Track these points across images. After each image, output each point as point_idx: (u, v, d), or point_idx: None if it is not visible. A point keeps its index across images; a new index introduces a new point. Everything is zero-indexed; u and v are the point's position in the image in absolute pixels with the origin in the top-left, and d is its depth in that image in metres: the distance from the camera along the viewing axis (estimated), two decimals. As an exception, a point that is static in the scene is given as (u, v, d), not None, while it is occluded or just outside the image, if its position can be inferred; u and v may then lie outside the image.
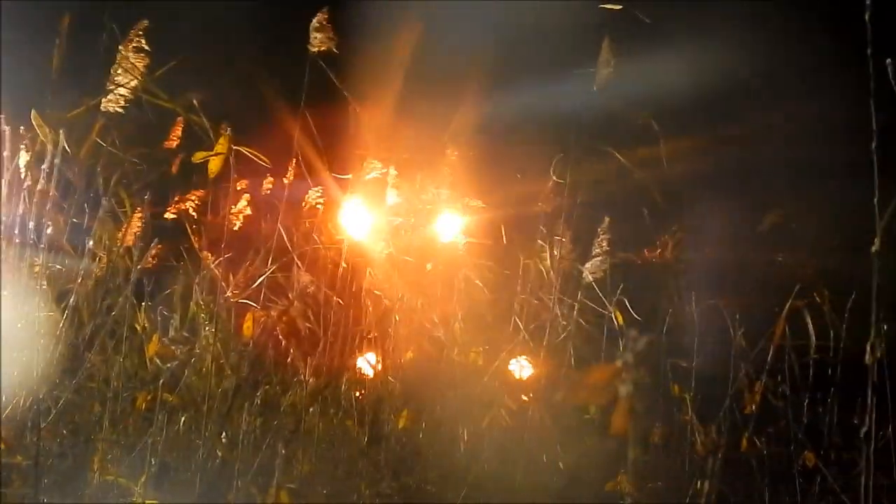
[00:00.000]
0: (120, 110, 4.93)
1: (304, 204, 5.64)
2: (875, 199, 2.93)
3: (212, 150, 4.62)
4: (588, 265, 5.63)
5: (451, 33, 6.58)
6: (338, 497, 4.66)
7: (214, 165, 4.52)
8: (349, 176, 5.61)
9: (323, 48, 5.00)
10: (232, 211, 5.53)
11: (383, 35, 6.54)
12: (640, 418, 5.34)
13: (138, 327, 4.98)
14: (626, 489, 4.98)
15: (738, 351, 5.24)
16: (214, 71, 6.37)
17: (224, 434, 4.61)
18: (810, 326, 5.47)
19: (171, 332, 3.59)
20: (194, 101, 5.42)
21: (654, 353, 5.62)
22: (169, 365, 3.54)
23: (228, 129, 4.51)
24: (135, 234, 4.97)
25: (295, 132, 5.04)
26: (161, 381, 3.55)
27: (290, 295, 5.23)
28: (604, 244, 5.61)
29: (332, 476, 4.76)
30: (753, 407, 5.24)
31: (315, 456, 4.79)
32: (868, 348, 2.75)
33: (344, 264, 5.33)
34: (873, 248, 2.77)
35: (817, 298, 5.48)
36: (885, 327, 3.06)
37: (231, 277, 5.25)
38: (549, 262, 5.69)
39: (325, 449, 4.86)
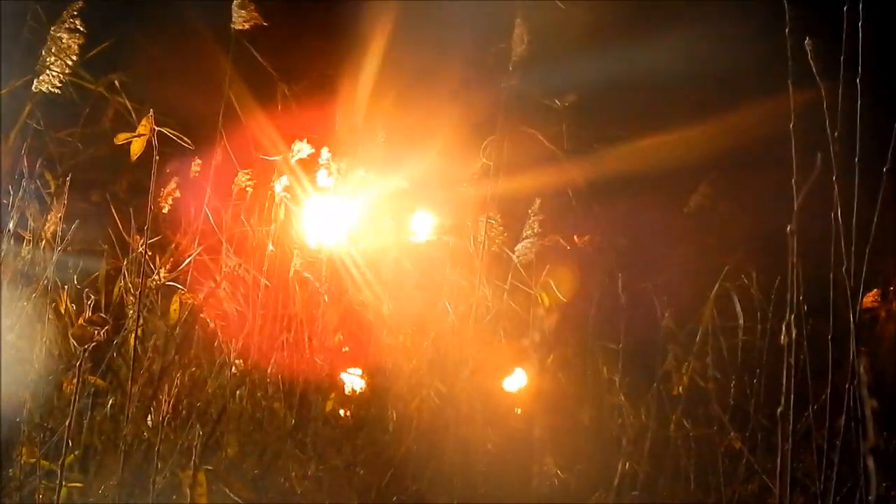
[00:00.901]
0: (55, 90, 4.89)
1: (232, 186, 5.62)
2: (793, 180, 2.96)
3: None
4: (518, 247, 5.64)
5: (385, 14, 6.58)
6: (265, 479, 4.65)
7: (137, 147, 4.47)
8: (278, 157, 5.58)
9: (246, 26, 4.99)
10: (161, 194, 5.50)
11: (315, 16, 6.52)
12: (568, 400, 5.38)
13: (62, 310, 4.93)
14: (553, 471, 5.03)
15: (667, 333, 5.27)
16: (141, 52, 6.33)
17: (150, 417, 4.59)
18: (738, 308, 5.51)
19: (88, 314, 3.55)
20: (116, 83, 5.39)
21: (583, 335, 5.65)
22: (86, 347, 3.50)
23: (151, 110, 4.46)
24: (59, 216, 4.93)
25: (220, 113, 5.01)
26: (79, 363, 3.50)
27: (217, 277, 5.21)
28: (535, 226, 5.62)
29: (258, 458, 4.75)
30: (681, 389, 5.28)
31: (242, 438, 4.78)
32: (784, 328, 2.77)
33: (272, 247, 5.31)
34: (789, 228, 2.79)
35: (745, 280, 5.52)
36: (805, 307, 3.09)
37: (158, 259, 5.23)
38: (478, 244, 5.69)
39: (252, 431, 4.85)
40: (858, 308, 3.34)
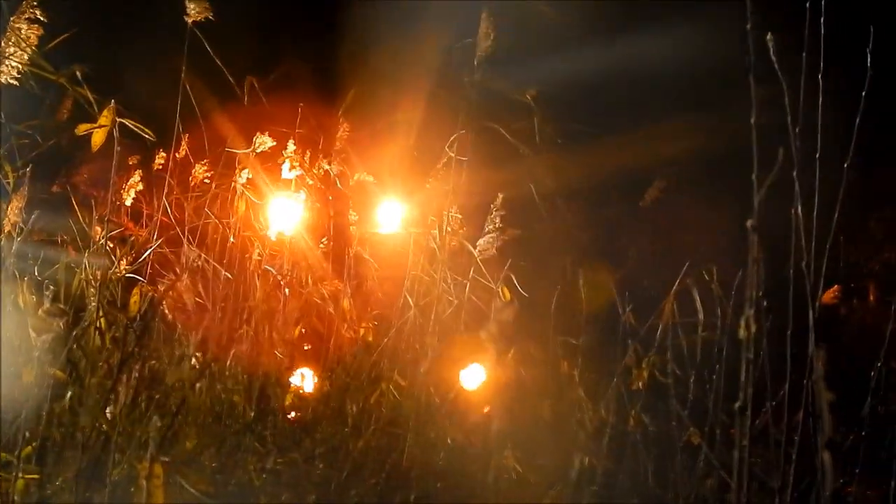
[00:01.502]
0: (14, 81, 4.85)
1: (193, 179, 5.61)
2: (753, 175, 2.96)
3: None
4: (480, 241, 5.65)
5: (355, 8, 6.58)
6: (223, 472, 4.64)
7: (98, 138, 4.46)
8: (242, 151, 5.57)
9: (199, 18, 4.96)
10: (123, 186, 5.49)
11: (283, 9, 6.51)
12: (528, 394, 5.38)
13: (21, 302, 4.90)
14: (512, 465, 5.03)
15: (627, 328, 5.27)
16: (104, 43, 6.30)
17: (108, 408, 4.56)
18: (698, 304, 5.52)
19: (47, 305, 3.53)
20: (78, 74, 5.35)
21: (544, 330, 5.66)
22: (44, 337, 3.49)
23: (112, 101, 4.45)
24: (20, 207, 4.90)
25: (177, 106, 5.00)
26: (37, 354, 3.48)
27: (177, 269, 5.20)
28: (496, 221, 5.63)
29: (217, 451, 4.73)
30: (641, 384, 5.29)
31: (201, 431, 4.76)
32: (742, 323, 2.78)
33: (233, 239, 5.30)
34: (749, 223, 2.79)
35: (706, 276, 5.53)
36: (765, 303, 3.10)
37: (118, 251, 5.21)
38: (440, 238, 5.70)
39: (211, 424, 4.83)
40: (818, 303, 3.36)
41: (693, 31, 6.29)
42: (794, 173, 3.21)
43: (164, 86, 5.65)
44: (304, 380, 5.30)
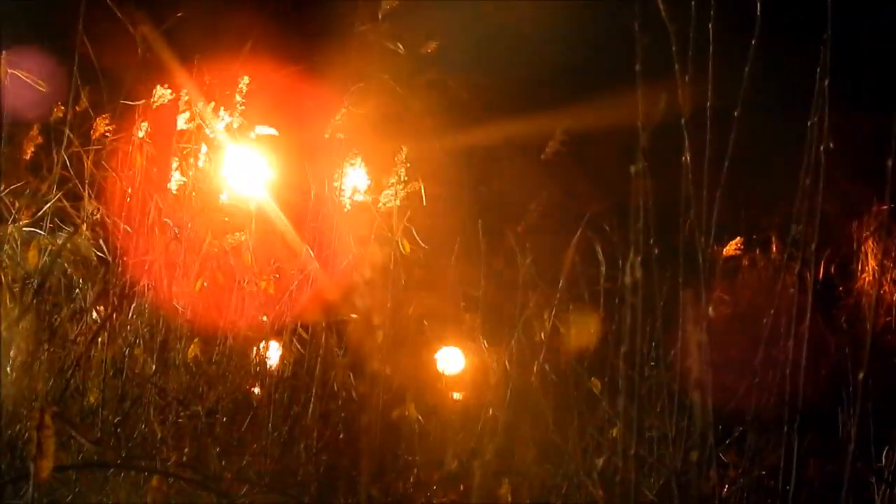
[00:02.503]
0: None
1: (93, 131, 5.56)
2: (639, 122, 2.99)
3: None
4: (383, 194, 5.66)
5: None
6: (124, 425, 4.63)
7: (-11, 91, 4.42)
8: (139, 102, 5.53)
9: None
10: (23, 140, 5.44)
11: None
12: (429, 347, 5.39)
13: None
14: (415, 416, 5.07)
15: (528, 279, 5.30)
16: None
17: (10, 364, 4.53)
18: (600, 255, 5.55)
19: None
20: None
21: (446, 280, 5.68)
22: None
23: (3, 52, 4.40)
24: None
25: (74, 57, 4.94)
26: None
27: (77, 222, 5.16)
28: (400, 174, 5.64)
29: (118, 405, 4.72)
30: (542, 335, 5.32)
31: (102, 385, 4.74)
32: (628, 268, 2.81)
33: (130, 191, 5.27)
34: (633, 168, 2.83)
35: (607, 228, 5.57)
36: (657, 250, 3.14)
37: (16, 204, 5.16)
38: (344, 190, 5.71)
39: (111, 378, 4.80)
40: (707, 251, 3.40)
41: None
42: (683, 121, 3.24)
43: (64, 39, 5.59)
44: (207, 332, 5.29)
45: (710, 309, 3.08)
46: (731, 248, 6.38)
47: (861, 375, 2.89)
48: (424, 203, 5.79)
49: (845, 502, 3.24)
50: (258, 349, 5.36)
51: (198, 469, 4.38)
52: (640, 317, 2.93)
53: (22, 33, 5.81)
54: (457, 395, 5.43)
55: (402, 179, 5.65)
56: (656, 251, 3.13)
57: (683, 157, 3.34)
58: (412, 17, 6.10)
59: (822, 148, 3.44)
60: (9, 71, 4.30)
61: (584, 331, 5.28)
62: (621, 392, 3.50)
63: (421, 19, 6.34)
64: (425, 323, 5.59)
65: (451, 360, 5.66)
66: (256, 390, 5.34)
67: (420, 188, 5.74)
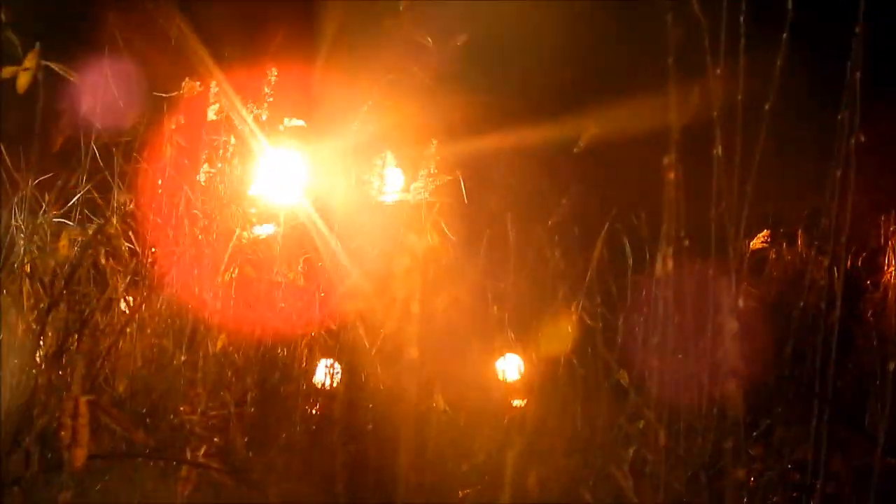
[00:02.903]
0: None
1: (124, 122, 5.58)
2: (670, 115, 3.00)
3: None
4: (412, 187, 5.68)
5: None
6: (154, 414, 4.65)
7: (23, 81, 4.43)
8: (172, 94, 5.55)
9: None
10: (52, 131, 5.46)
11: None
12: (457, 338, 5.41)
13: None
14: (442, 407, 5.08)
15: (557, 272, 5.31)
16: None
17: (37, 353, 4.56)
18: (627, 248, 5.55)
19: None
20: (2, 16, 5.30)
21: (474, 275, 5.68)
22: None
23: (38, 43, 4.42)
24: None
25: (105, 48, 4.97)
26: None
27: (106, 213, 5.19)
28: (431, 166, 5.66)
29: (147, 395, 4.74)
30: (570, 328, 5.33)
31: (131, 376, 4.77)
32: (659, 260, 2.82)
33: (160, 182, 5.30)
34: (665, 160, 2.83)
35: (635, 221, 5.56)
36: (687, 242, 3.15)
37: (47, 196, 5.19)
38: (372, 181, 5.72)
39: (140, 369, 4.83)
40: (737, 243, 3.41)
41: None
42: (715, 114, 3.25)
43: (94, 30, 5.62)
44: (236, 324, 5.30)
45: (740, 300, 3.07)
46: (759, 241, 6.38)
47: (892, 367, 2.90)
48: (465, 197, 5.81)
49: (874, 496, 3.24)
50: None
51: (226, 460, 4.40)
52: (670, 308, 2.94)
53: (54, 24, 5.86)
54: (517, 403, 5.42)
55: (431, 173, 5.66)
56: (686, 243, 3.14)
57: (714, 150, 3.35)
58: (437, 10, 6.11)
59: (852, 140, 3.45)
60: (42, 63, 4.32)
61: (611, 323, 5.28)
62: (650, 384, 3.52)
63: (446, 12, 6.35)
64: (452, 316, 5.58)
65: (510, 366, 5.66)
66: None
67: (448, 182, 5.75)
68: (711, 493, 3.40)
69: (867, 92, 3.48)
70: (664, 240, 2.86)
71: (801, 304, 3.99)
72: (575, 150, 6.11)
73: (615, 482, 4.00)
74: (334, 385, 5.24)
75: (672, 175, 2.85)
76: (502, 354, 5.55)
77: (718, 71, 3.36)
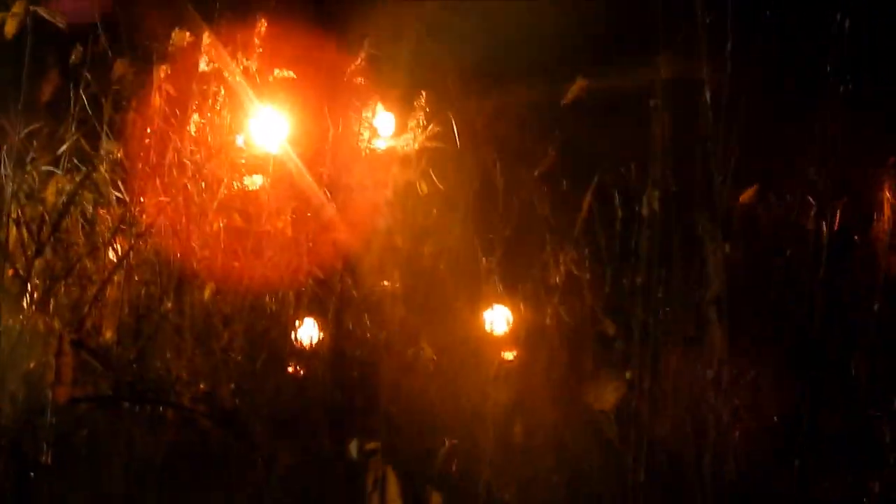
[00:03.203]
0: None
1: (112, 73, 5.56)
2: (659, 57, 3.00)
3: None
4: (401, 139, 5.66)
5: None
6: (140, 362, 4.66)
7: (10, 27, 4.43)
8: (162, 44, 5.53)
9: None
10: (42, 80, 5.45)
11: None
12: (445, 287, 5.41)
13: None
14: (429, 355, 5.09)
15: (545, 222, 5.32)
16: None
17: (27, 300, 4.56)
18: (616, 199, 5.55)
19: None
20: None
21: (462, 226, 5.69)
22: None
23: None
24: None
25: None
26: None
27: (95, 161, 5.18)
28: (419, 117, 5.65)
29: (134, 342, 4.75)
30: (558, 279, 5.34)
31: (118, 323, 4.77)
32: (644, 200, 2.82)
33: (150, 131, 5.28)
34: (652, 102, 2.83)
35: (623, 171, 5.56)
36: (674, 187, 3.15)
37: (35, 144, 5.18)
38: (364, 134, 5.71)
39: (127, 315, 4.83)
40: (724, 194, 3.41)
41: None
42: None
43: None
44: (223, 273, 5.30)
45: (727, 247, 3.08)
46: (747, 195, 6.37)
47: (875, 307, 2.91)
48: (458, 143, 5.79)
49: (858, 444, 3.26)
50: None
51: (212, 405, 4.41)
52: (656, 250, 2.95)
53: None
54: (508, 356, 5.41)
55: (420, 124, 5.65)
56: (674, 188, 3.15)
57: (703, 97, 3.35)
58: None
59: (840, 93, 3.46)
60: (31, 8, 4.30)
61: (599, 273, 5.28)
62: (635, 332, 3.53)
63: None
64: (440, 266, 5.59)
65: (498, 319, 5.65)
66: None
67: (438, 132, 5.73)
68: (696, 437, 3.41)
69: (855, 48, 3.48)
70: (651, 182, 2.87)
71: (788, 252, 4.01)
72: (563, 101, 6.09)
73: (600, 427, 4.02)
74: (321, 336, 5.25)
75: (659, 116, 2.85)
76: (490, 306, 5.53)
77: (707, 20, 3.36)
